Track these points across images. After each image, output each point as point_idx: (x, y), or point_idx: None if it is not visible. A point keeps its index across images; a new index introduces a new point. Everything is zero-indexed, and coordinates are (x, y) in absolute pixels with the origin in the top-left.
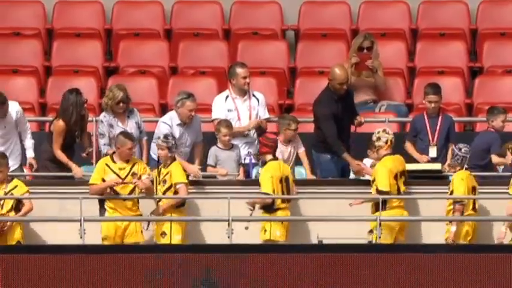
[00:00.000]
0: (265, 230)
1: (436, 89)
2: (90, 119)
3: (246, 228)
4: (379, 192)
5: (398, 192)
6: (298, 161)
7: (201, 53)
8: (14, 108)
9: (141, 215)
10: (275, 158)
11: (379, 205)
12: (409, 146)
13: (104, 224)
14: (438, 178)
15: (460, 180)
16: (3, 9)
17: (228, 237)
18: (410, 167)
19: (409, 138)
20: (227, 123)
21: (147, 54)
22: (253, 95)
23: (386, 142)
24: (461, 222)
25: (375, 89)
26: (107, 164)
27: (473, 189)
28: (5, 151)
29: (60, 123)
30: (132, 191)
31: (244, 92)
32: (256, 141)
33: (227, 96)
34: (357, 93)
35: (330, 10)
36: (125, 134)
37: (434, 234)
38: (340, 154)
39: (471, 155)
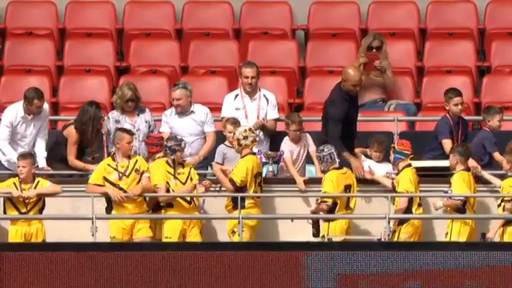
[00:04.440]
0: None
1: (457, 91)
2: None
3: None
4: (233, 183)
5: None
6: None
7: (211, 53)
8: (46, 109)
9: (148, 210)
10: (163, 156)
11: (236, 202)
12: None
13: (112, 224)
14: (445, 176)
15: (330, 182)
16: (16, 10)
17: (238, 235)
18: (419, 164)
19: (447, 136)
20: (234, 121)
21: (158, 53)
22: (264, 95)
23: (252, 141)
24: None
25: (384, 88)
26: (108, 164)
27: (348, 188)
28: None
29: (74, 133)
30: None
31: (253, 91)
32: (265, 141)
33: (237, 95)
34: (366, 92)
35: (339, 10)
36: (122, 129)
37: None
38: (341, 153)
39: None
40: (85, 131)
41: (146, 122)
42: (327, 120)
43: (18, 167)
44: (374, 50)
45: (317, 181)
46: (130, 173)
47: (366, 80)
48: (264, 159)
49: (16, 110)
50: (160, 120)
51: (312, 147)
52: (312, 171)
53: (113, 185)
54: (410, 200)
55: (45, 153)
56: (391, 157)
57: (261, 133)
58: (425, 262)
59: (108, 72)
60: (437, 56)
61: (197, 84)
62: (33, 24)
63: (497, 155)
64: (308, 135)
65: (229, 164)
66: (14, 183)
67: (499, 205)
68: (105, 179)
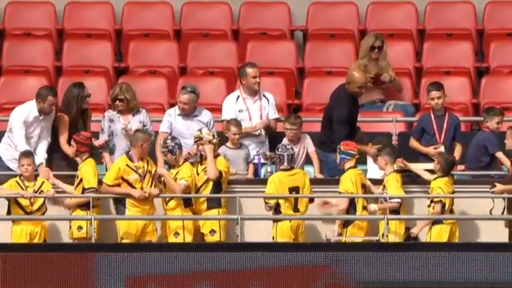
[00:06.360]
0: (81, 227)
1: (437, 86)
2: (99, 118)
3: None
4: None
5: None
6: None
7: (210, 54)
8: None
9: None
10: (92, 156)
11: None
12: (414, 142)
13: (123, 222)
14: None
15: (272, 183)
16: (14, 10)
17: (237, 235)
18: (411, 167)
19: (414, 136)
20: (237, 123)
21: (157, 54)
22: (264, 95)
23: (218, 138)
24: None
25: (383, 88)
26: (127, 165)
27: (294, 190)
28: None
29: (63, 115)
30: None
31: (254, 92)
32: (267, 142)
33: (238, 97)
34: (364, 92)
35: (338, 11)
36: (142, 130)
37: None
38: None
39: (469, 157)
40: (70, 111)
41: (140, 122)
42: (330, 122)
43: (23, 165)
44: (376, 50)
45: (314, 182)
46: (145, 175)
47: None
48: (262, 160)
49: (29, 110)
50: (157, 121)
51: (311, 148)
52: (310, 171)
53: (132, 186)
54: (352, 202)
55: (45, 155)
56: (337, 158)
57: (263, 133)
58: (218, 263)
59: (106, 73)
60: (436, 57)
61: (196, 85)
62: (31, 25)
63: (500, 155)
64: (307, 135)
65: (231, 166)
66: (17, 183)
67: (429, 205)
68: (123, 179)
